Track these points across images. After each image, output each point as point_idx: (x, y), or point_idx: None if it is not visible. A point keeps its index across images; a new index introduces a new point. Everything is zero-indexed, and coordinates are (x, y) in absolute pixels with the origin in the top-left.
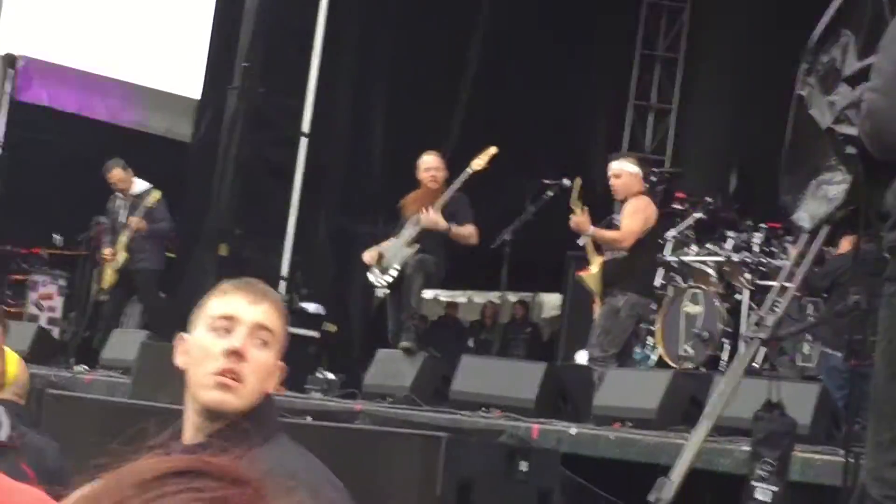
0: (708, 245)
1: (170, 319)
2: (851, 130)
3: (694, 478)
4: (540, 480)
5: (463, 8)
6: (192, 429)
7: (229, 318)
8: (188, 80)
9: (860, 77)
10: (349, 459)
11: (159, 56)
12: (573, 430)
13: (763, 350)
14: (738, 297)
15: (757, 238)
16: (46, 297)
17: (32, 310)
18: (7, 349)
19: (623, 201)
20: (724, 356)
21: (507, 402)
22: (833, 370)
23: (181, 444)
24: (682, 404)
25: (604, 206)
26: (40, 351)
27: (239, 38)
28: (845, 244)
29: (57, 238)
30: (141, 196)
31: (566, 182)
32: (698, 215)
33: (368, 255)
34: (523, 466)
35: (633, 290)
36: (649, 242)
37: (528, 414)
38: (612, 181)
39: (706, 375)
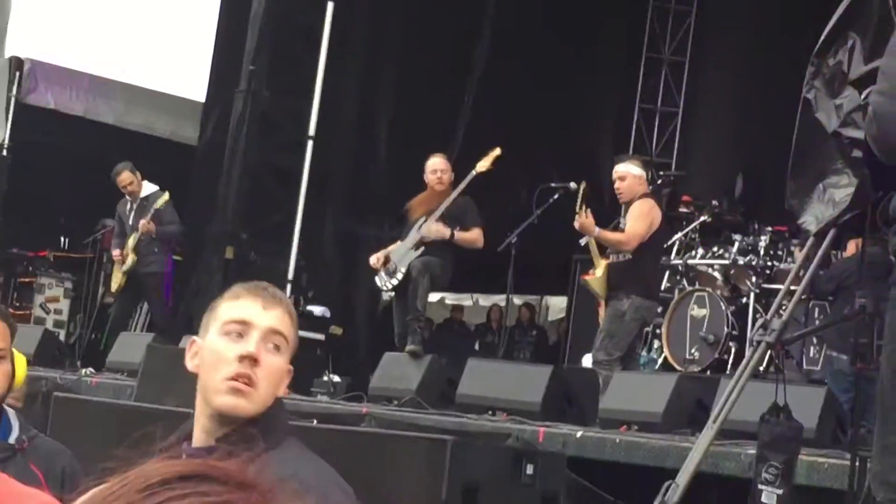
0: (714, 248)
1: (176, 322)
2: (858, 134)
3: (700, 481)
4: (546, 484)
5: (468, 12)
6: (202, 432)
7: (242, 322)
8: (193, 83)
9: (867, 80)
10: (355, 462)
11: (164, 59)
12: (579, 434)
13: (769, 353)
14: (743, 300)
15: (763, 241)
16: (53, 299)
17: (39, 312)
18: (15, 351)
19: (627, 204)
20: (730, 359)
21: (513, 405)
22: (839, 374)
23: (190, 446)
24: (688, 407)
25: (610, 210)
26: (46, 353)
27: (244, 40)
28: (851, 247)
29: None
30: (149, 199)
31: (572, 185)
32: (704, 218)
33: (375, 259)
34: (529, 470)
35: (638, 293)
36: (654, 245)
37: (533, 417)
38: (617, 183)
39: (712, 379)
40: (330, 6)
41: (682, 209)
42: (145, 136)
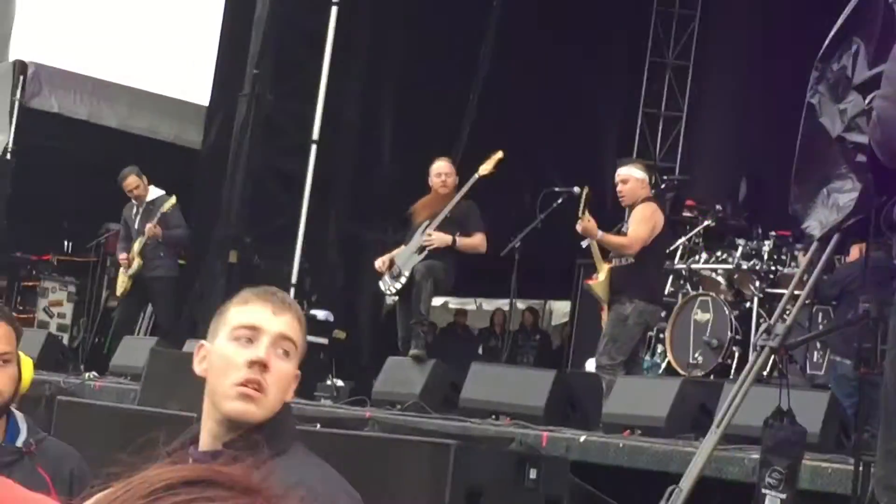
0: (717, 253)
1: (179, 326)
2: (862, 138)
3: (703, 486)
4: (549, 488)
5: (472, 16)
6: (209, 436)
7: (252, 327)
8: (197, 87)
9: (871, 85)
10: (358, 467)
11: (168, 63)
12: (582, 438)
13: (772, 358)
14: (747, 304)
15: (766, 246)
16: (56, 303)
17: (42, 316)
18: (22, 354)
19: (630, 207)
20: (734, 364)
21: (517, 409)
22: (842, 378)
23: (197, 450)
24: (692, 412)
25: (614, 214)
26: (50, 357)
27: (248, 44)
28: (855, 252)
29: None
30: (156, 203)
31: (576, 190)
32: (708, 223)
33: (380, 262)
34: (532, 474)
35: (641, 297)
36: (657, 249)
37: (537, 421)
38: (619, 186)
39: (715, 383)
40: (333, 10)
41: (686, 213)
42: (149, 140)
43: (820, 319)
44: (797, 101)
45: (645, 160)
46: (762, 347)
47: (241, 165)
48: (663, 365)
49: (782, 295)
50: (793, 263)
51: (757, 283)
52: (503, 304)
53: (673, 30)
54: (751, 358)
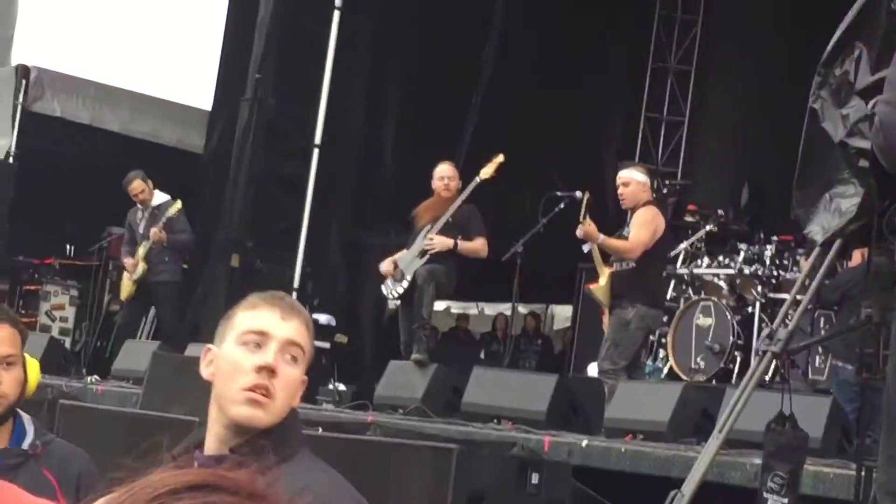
0: (719, 258)
1: (182, 330)
2: (864, 144)
3: (705, 490)
4: (551, 493)
5: (474, 22)
6: (215, 440)
7: (260, 333)
8: (199, 91)
9: (873, 90)
10: (360, 471)
11: (171, 67)
12: (584, 443)
13: (774, 363)
14: (749, 309)
15: (768, 251)
16: (58, 307)
17: (44, 320)
18: (28, 357)
19: (631, 210)
20: (736, 369)
21: (519, 414)
22: (844, 383)
23: (202, 454)
24: (694, 417)
25: (616, 218)
26: (52, 361)
27: (251, 48)
28: (857, 257)
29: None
30: (161, 207)
31: (578, 194)
32: (710, 228)
33: (385, 266)
34: (534, 479)
35: (643, 301)
36: (658, 253)
37: (539, 426)
38: (621, 189)
39: (717, 388)
40: (336, 14)
41: (688, 218)
42: (151, 144)
43: (822, 324)
44: (799, 105)
45: (647, 165)
46: (764, 352)
47: (244, 169)
48: (665, 370)
49: (784, 300)
50: (795, 268)
51: (759, 288)
52: (505, 308)
53: (675, 34)
54: (753, 363)
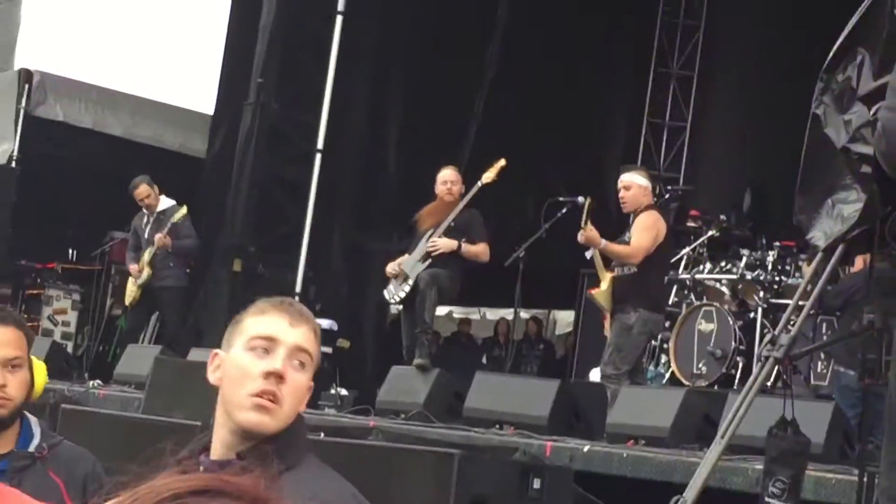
0: (722, 263)
1: (184, 334)
2: (867, 149)
3: (708, 496)
4: (553, 498)
5: (477, 27)
6: (221, 445)
7: (269, 338)
8: (202, 96)
9: (876, 96)
10: (362, 476)
11: (173, 71)
12: (586, 448)
13: (777, 368)
14: (751, 315)
15: (771, 256)
16: (60, 311)
17: (46, 324)
18: (35, 359)
19: (633, 214)
20: (738, 374)
21: (521, 419)
22: (846, 389)
23: (208, 458)
24: (696, 422)
25: (618, 223)
26: (54, 365)
27: (253, 53)
28: (859, 263)
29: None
30: (166, 213)
31: (580, 200)
32: (712, 233)
33: (391, 267)
34: (536, 484)
35: (645, 306)
36: (660, 258)
37: (541, 431)
38: (622, 193)
39: (719, 393)
40: (338, 19)
41: (690, 224)
42: (154, 149)
43: (824, 330)
44: (802, 111)
45: (649, 170)
46: (766, 358)
47: (246, 174)
48: (667, 375)
49: (786, 305)
50: (797, 274)
51: (761, 294)
52: (507, 313)
53: (677, 40)
54: (755, 368)
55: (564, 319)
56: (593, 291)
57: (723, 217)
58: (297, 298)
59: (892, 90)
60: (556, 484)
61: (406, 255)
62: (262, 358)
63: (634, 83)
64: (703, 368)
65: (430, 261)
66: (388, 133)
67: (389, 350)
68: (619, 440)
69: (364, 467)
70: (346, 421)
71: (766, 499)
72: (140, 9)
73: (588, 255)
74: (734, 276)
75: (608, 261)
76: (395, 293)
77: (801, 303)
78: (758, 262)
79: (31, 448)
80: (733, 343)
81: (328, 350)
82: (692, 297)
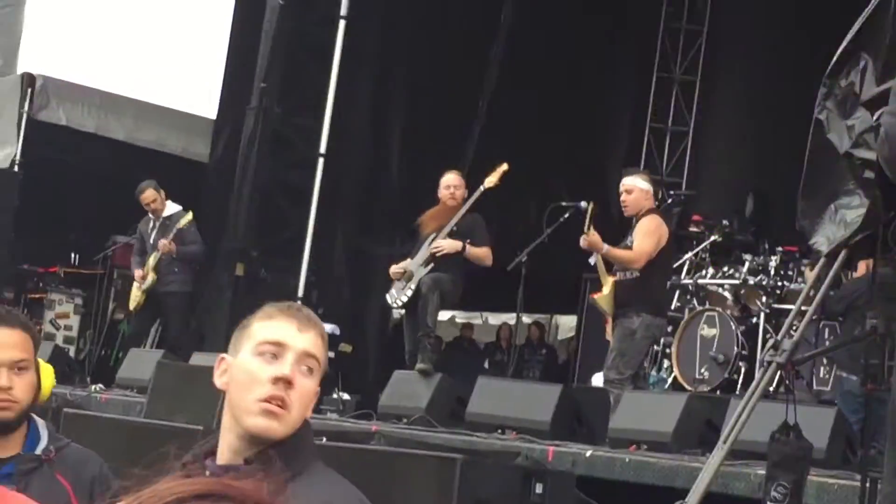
0: (724, 268)
1: (186, 339)
2: (869, 155)
3: (710, 501)
4: (555, 503)
5: (479, 31)
6: (228, 450)
7: (277, 344)
8: (205, 100)
9: (878, 101)
10: (364, 481)
11: (176, 76)
12: (588, 453)
13: (779, 374)
14: (754, 320)
15: (773, 261)
16: (63, 315)
17: (49, 328)
18: (42, 362)
19: (635, 218)
20: (740, 379)
21: (523, 423)
22: (848, 394)
23: (214, 463)
24: (698, 427)
25: (621, 228)
26: (56, 369)
27: (256, 57)
28: (862, 268)
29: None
30: (172, 218)
31: (582, 204)
32: (714, 238)
33: (395, 268)
34: (538, 489)
35: (647, 310)
36: (662, 262)
37: (543, 436)
38: (623, 196)
39: (722, 399)
40: (341, 24)
41: (693, 229)
42: (156, 153)
43: (826, 335)
44: (805, 116)
45: (652, 174)
46: (769, 363)
47: (249, 179)
48: (669, 380)
49: (789, 310)
50: (799, 279)
51: (763, 299)
52: (509, 318)
53: (680, 45)
54: (757, 373)
55: (567, 324)
56: (596, 296)
57: (725, 222)
58: (299, 303)
59: (895, 96)
60: (558, 489)
61: (407, 261)
62: (271, 363)
63: (637, 88)
64: (706, 373)
65: (432, 265)
66: (390, 137)
67: (392, 354)
68: (622, 445)
69: (366, 472)
70: (348, 425)
71: None
72: (143, 13)
73: (592, 260)
74: (737, 281)
75: (610, 265)
76: (397, 297)
77: (803, 308)
78: (760, 267)
79: (38, 451)
80: (736, 348)
81: (330, 354)
82: (694, 302)
